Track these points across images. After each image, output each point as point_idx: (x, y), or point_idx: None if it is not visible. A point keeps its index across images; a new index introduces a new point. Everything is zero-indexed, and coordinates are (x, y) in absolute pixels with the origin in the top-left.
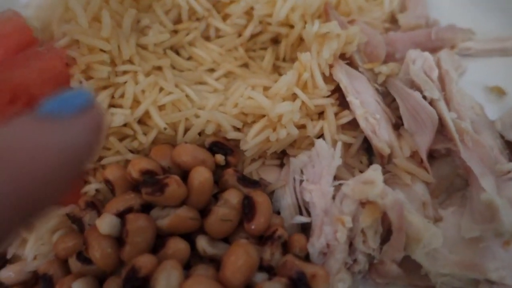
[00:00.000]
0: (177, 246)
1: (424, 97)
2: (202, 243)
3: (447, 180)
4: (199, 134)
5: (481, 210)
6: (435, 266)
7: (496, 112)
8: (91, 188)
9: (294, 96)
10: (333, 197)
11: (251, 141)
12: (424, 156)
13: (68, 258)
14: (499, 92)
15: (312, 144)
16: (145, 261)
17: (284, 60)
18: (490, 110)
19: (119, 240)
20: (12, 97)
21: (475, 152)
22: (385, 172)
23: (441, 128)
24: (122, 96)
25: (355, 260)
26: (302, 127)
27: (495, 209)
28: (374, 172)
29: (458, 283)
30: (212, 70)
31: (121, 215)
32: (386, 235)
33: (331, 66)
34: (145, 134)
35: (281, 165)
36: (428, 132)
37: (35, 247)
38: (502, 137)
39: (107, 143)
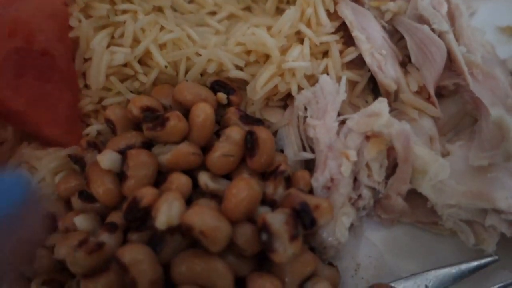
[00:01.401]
0: (179, 180)
1: (433, 31)
2: (204, 178)
3: (455, 119)
4: (201, 75)
5: (490, 137)
6: (441, 197)
7: (507, 53)
8: (92, 129)
9: (298, 35)
10: (337, 133)
11: (260, 90)
12: (431, 90)
13: (70, 198)
14: (511, 32)
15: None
16: (146, 192)
17: (288, 2)
18: (501, 51)
19: (120, 176)
20: (11, 31)
21: (486, 84)
22: (391, 110)
23: (450, 64)
24: (122, 36)
25: (359, 196)
26: None
27: (505, 128)
28: (380, 104)
29: (465, 215)
30: (214, 13)
31: (122, 152)
32: (391, 171)
33: (336, 3)
34: (146, 74)
35: (285, 107)
36: (437, 66)
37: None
38: None
39: (108, 83)
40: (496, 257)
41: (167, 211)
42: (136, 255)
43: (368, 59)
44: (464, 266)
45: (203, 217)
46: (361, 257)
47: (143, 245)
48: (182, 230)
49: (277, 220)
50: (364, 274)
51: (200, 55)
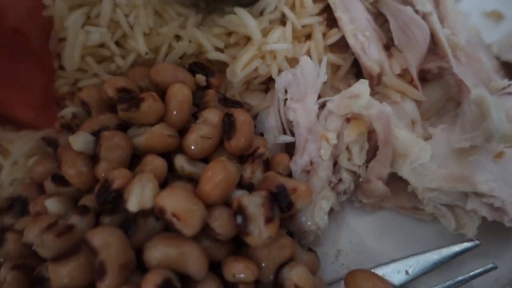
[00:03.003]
0: (153, 162)
1: (417, 12)
2: (180, 161)
3: (439, 103)
4: (180, 58)
5: (472, 119)
6: (422, 181)
7: (493, 38)
8: (67, 112)
9: (281, 18)
10: (318, 116)
11: (240, 73)
12: (414, 73)
13: (43, 182)
14: (497, 17)
15: None
16: (119, 174)
17: None
18: (487, 36)
19: (93, 159)
20: None
21: (469, 66)
22: (374, 93)
23: (434, 47)
24: (98, 15)
25: (339, 180)
26: None
27: (485, 107)
28: (361, 85)
29: (445, 199)
30: None
31: (96, 134)
32: (372, 155)
33: None
34: (123, 57)
35: (266, 91)
36: (420, 48)
37: (11, 173)
38: (497, 59)
39: (84, 64)
40: (477, 242)
41: (139, 193)
42: (106, 238)
43: (351, 41)
44: (444, 251)
45: (177, 199)
46: (341, 243)
47: (115, 227)
48: (155, 213)
49: (252, 202)
50: (345, 260)
51: (179, 37)
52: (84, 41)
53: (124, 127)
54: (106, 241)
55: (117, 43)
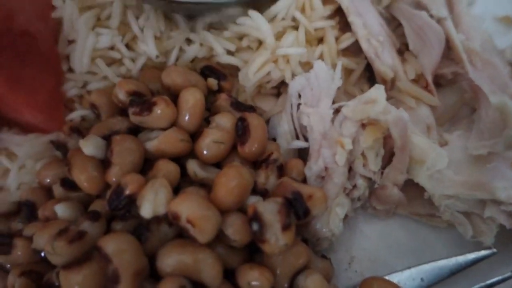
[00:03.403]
0: (166, 167)
1: (431, 17)
2: (193, 166)
3: (453, 108)
4: (191, 61)
5: (490, 126)
6: (439, 188)
7: (505, 44)
8: (76, 115)
9: (293, 22)
10: (332, 121)
11: (253, 77)
12: (429, 77)
13: (52, 186)
14: (509, 22)
15: None
16: (131, 180)
17: None
18: (499, 42)
19: (104, 163)
20: None
21: (485, 72)
22: (388, 98)
23: (448, 52)
24: (108, 18)
25: (354, 186)
26: None
27: (508, 113)
28: (377, 90)
29: (462, 206)
30: None
31: (107, 138)
32: (388, 161)
33: None
34: (133, 60)
35: (278, 95)
36: (435, 52)
37: (18, 176)
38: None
39: (93, 67)
40: (495, 250)
41: (153, 199)
42: (119, 245)
43: (364, 46)
44: (461, 259)
45: (191, 205)
46: (355, 250)
47: (127, 234)
48: (168, 219)
49: (268, 209)
50: (358, 267)
51: (190, 40)
52: (94, 43)
53: (135, 131)
54: (119, 248)
55: (127, 46)
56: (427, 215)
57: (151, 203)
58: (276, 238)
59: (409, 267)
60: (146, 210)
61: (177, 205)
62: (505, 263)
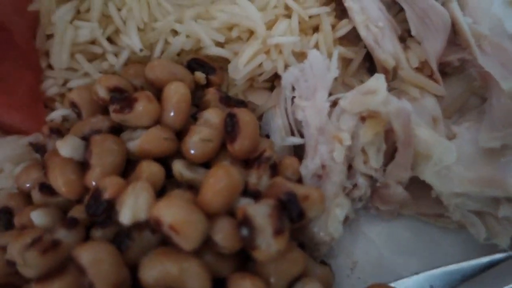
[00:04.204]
0: (149, 169)
1: None
2: (179, 166)
3: (461, 99)
4: (178, 54)
5: (503, 115)
6: (448, 185)
7: None
8: (57, 114)
9: (286, 11)
10: (329, 115)
11: (243, 69)
12: (434, 65)
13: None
14: None
15: None
16: (110, 183)
17: None
18: (509, 25)
19: (83, 165)
20: None
21: (495, 57)
22: (389, 89)
23: (454, 37)
24: (88, 10)
25: (355, 185)
26: None
27: None
28: (377, 80)
29: (474, 205)
30: None
31: (87, 138)
32: (390, 157)
33: None
34: (115, 55)
35: (272, 89)
36: (440, 37)
37: None
38: None
39: (74, 63)
40: (511, 253)
41: (133, 204)
42: (95, 254)
43: (363, 32)
44: (474, 263)
45: (174, 210)
46: (357, 255)
47: (105, 242)
48: (151, 226)
49: (259, 212)
50: (361, 274)
51: (176, 32)
52: (74, 37)
53: (117, 130)
54: (96, 258)
55: (109, 40)
56: (435, 215)
57: (131, 208)
58: (268, 244)
59: (416, 273)
60: (126, 216)
61: (159, 210)
62: None
